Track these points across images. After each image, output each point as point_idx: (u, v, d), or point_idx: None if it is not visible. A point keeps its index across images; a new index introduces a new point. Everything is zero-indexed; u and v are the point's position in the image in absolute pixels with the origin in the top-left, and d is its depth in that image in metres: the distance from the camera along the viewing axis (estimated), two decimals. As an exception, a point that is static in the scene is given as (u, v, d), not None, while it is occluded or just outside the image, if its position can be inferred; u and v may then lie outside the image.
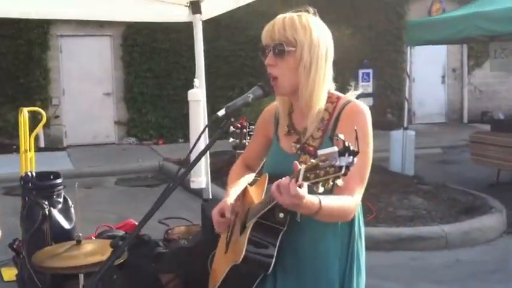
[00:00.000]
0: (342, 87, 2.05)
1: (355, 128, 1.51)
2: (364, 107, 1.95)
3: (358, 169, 1.49)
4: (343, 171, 1.45)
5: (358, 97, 2.00)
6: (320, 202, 1.67)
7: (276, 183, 1.64)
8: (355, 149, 1.44)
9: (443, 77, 16.19)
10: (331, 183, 1.49)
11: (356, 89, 2.02)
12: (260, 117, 2.27)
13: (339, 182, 1.48)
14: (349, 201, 1.82)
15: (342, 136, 1.46)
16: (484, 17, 7.30)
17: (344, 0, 14.55)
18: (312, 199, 1.64)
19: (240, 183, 2.22)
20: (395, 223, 6.18)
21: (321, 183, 1.50)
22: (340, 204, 1.79)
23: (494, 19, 7.15)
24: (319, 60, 1.92)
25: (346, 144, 1.44)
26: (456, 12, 8.87)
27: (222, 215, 2.08)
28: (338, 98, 1.99)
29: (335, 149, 1.45)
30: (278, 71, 1.93)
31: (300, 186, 1.57)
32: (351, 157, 1.44)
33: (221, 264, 2.15)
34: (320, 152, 1.48)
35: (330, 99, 1.97)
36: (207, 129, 4.09)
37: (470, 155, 8.81)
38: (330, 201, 1.72)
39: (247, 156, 2.35)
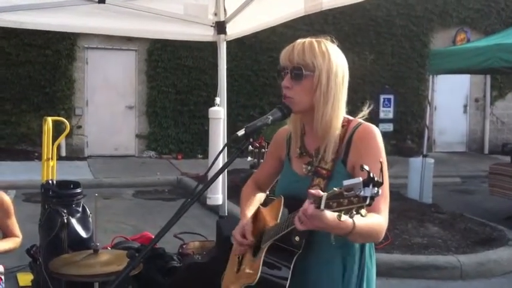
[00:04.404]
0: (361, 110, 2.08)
1: (380, 160, 1.53)
2: (375, 128, 1.97)
3: (382, 190, 1.52)
4: (367, 201, 1.46)
5: (378, 122, 2.01)
6: (354, 222, 1.68)
7: (297, 215, 1.67)
8: (380, 180, 1.46)
9: (465, 106, 16.11)
10: (354, 212, 1.50)
11: (364, 110, 2.05)
12: (272, 140, 2.31)
13: (363, 211, 1.50)
14: (379, 220, 1.83)
15: (366, 167, 1.48)
16: (508, 48, 7.29)
17: (368, 26, 14.65)
18: (345, 218, 1.63)
19: (254, 204, 2.26)
20: (410, 251, 6.14)
21: (343, 212, 1.52)
22: (373, 222, 1.79)
23: (518, 51, 7.15)
24: (337, 87, 1.95)
25: (371, 175, 1.46)
26: (480, 42, 8.87)
27: (244, 236, 2.09)
28: (348, 121, 2.02)
29: (360, 179, 1.47)
30: (293, 93, 1.97)
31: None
32: (376, 188, 1.45)
33: (232, 284, 2.16)
34: (345, 182, 1.50)
35: (342, 122, 2.00)
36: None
37: (489, 186, 8.74)
38: (363, 221, 1.70)
39: (259, 177, 2.38)
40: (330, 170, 1.95)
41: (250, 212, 2.21)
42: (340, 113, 1.98)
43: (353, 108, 2.05)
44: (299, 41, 1.99)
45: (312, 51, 1.93)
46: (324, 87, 1.93)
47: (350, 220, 1.66)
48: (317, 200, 1.59)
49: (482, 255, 6.11)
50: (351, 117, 2.03)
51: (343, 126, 1.99)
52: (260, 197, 2.32)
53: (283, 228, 1.85)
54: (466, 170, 12.73)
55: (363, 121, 2.01)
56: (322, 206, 1.56)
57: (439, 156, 13.64)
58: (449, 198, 9.67)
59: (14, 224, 3.29)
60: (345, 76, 1.99)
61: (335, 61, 1.95)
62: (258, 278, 1.91)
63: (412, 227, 6.97)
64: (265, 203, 2.28)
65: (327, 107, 1.94)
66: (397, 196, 8.71)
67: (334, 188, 1.54)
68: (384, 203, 1.87)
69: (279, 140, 2.24)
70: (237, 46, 12.51)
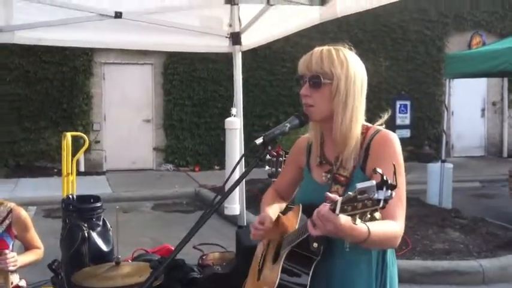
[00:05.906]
0: (379, 117, 2.08)
1: (393, 163, 1.54)
2: (393, 135, 1.97)
3: (398, 195, 1.54)
4: (381, 204, 1.47)
5: (395, 129, 2.01)
6: (369, 229, 1.68)
7: (311, 218, 1.67)
8: (393, 183, 1.46)
9: (482, 110, 15.97)
10: (369, 215, 1.51)
11: (383, 117, 2.06)
12: (292, 148, 2.32)
13: (377, 215, 1.50)
14: (394, 226, 1.83)
15: (379, 170, 1.48)
16: (524, 50, 7.24)
17: (383, 31, 14.62)
18: (360, 226, 1.64)
19: (274, 206, 2.27)
20: (431, 256, 6.08)
21: (358, 215, 1.52)
22: (387, 230, 1.80)
23: (534, 53, 7.09)
24: (356, 95, 1.96)
25: (385, 178, 1.46)
26: (495, 45, 8.81)
27: (262, 223, 2.12)
28: (367, 128, 2.02)
29: (373, 182, 1.47)
30: (312, 101, 1.98)
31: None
32: (389, 191, 1.46)
33: (253, 291, 2.17)
34: (359, 185, 1.51)
35: (361, 130, 2.01)
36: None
37: (509, 189, 8.64)
38: (378, 228, 1.71)
39: (279, 185, 2.39)
40: (349, 177, 1.95)
41: (271, 209, 2.22)
42: (359, 120, 1.98)
43: (369, 114, 2.05)
44: (317, 49, 1.99)
45: (330, 59, 1.94)
46: (342, 95, 1.94)
47: (365, 228, 1.67)
48: (333, 204, 1.59)
49: (505, 259, 6.04)
50: (369, 125, 2.04)
51: (362, 133, 1.99)
52: (281, 203, 2.33)
53: (300, 234, 1.86)
54: (485, 174, 12.60)
55: (381, 128, 2.01)
56: (338, 211, 1.57)
57: (457, 161, 13.53)
58: (469, 202, 9.57)
59: (33, 236, 3.35)
60: (363, 84, 1.99)
61: (353, 69, 1.95)
62: (276, 284, 1.91)
63: (432, 232, 6.91)
64: (284, 212, 2.29)
65: (345, 115, 1.95)
66: (417, 202, 8.64)
67: (349, 192, 1.55)
68: (400, 210, 1.87)
69: (299, 148, 2.25)
70: (251, 56, 12.54)
